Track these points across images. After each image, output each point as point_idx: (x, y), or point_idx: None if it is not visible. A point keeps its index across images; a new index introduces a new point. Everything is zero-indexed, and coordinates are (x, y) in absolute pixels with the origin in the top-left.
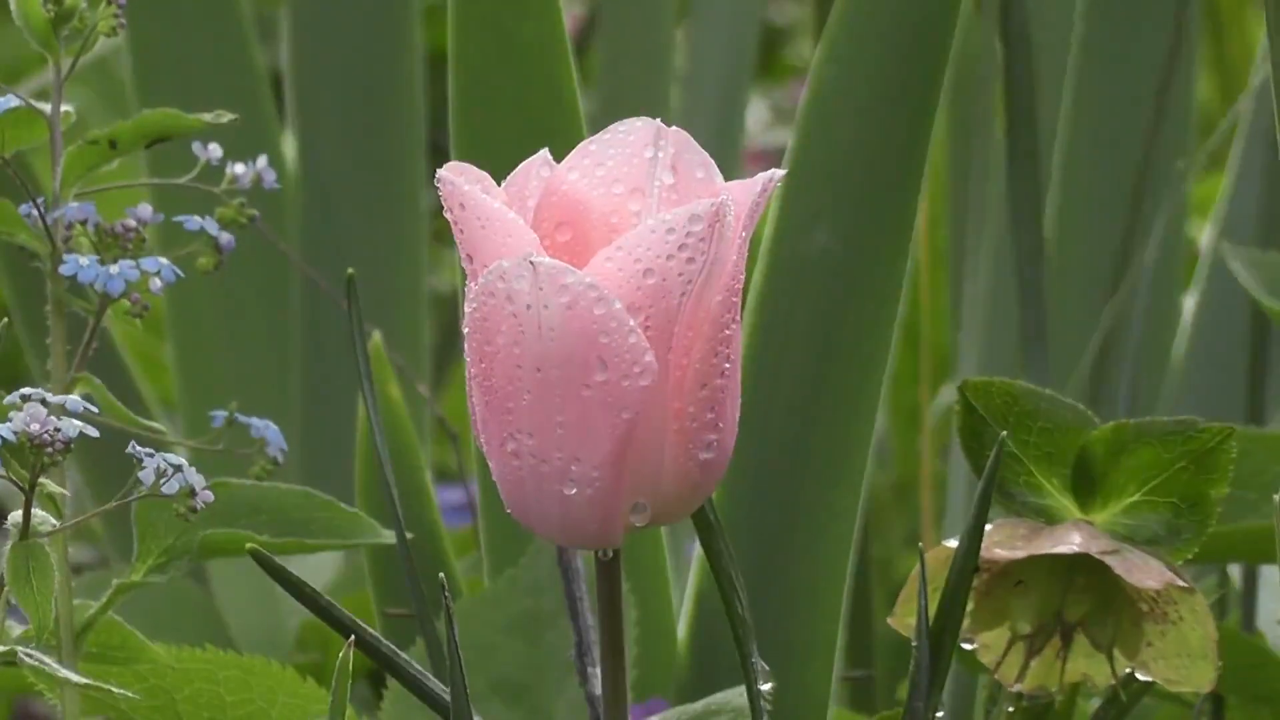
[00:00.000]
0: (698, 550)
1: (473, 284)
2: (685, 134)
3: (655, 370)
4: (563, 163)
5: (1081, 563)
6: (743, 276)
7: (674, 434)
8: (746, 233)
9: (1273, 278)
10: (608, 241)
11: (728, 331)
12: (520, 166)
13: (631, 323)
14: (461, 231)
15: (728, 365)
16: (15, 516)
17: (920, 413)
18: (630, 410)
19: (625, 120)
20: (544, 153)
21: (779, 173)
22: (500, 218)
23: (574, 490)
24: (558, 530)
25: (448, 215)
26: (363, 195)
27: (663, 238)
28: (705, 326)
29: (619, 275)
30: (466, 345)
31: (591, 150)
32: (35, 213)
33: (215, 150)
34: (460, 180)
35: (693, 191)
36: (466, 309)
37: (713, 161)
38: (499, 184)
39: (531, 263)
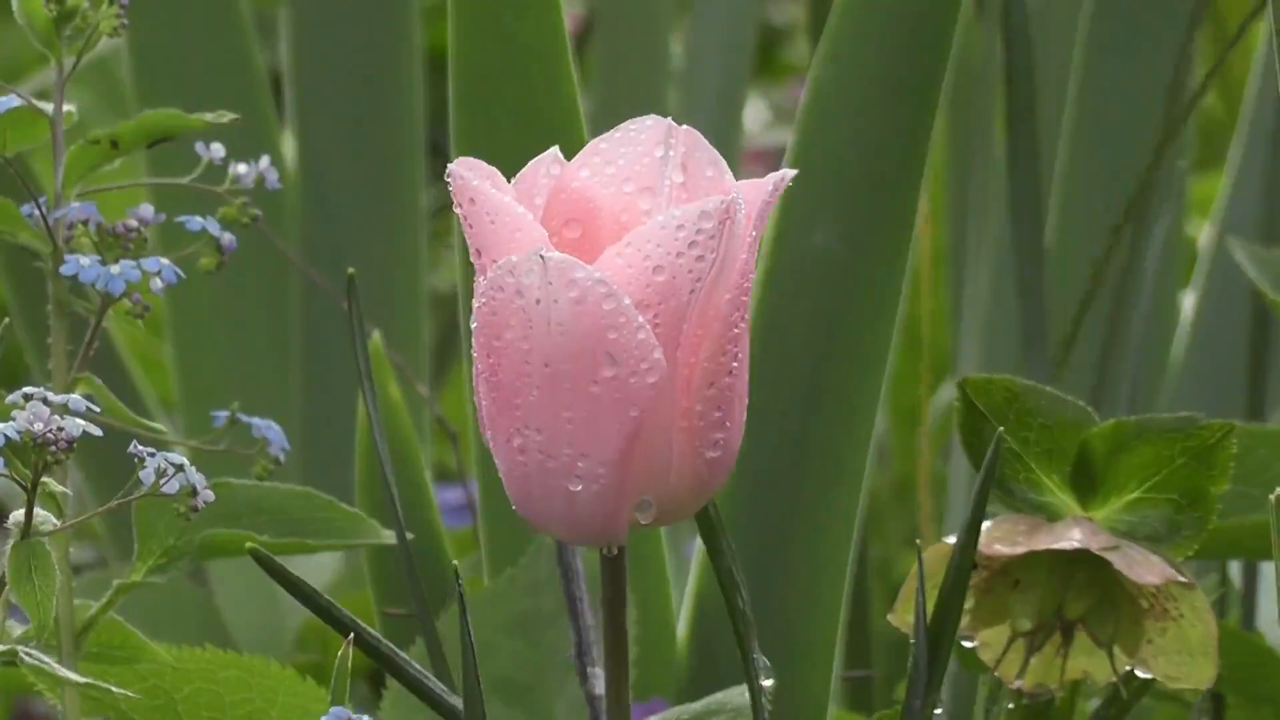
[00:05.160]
0: (698, 549)
1: (481, 279)
2: (696, 133)
3: (663, 367)
4: (573, 160)
5: (1082, 559)
6: (752, 276)
7: (681, 432)
8: (757, 232)
9: (1278, 273)
10: (617, 239)
11: (736, 330)
12: (529, 164)
13: (640, 319)
14: (470, 226)
15: (735, 364)
16: (17, 515)
17: (919, 412)
18: (638, 407)
19: (636, 119)
20: (554, 150)
21: (790, 172)
22: (510, 212)
23: (580, 486)
24: (563, 526)
25: (456, 210)
26: (362, 195)
27: (673, 234)
28: (714, 325)
29: (628, 271)
30: (474, 340)
31: (602, 148)
32: (37, 212)
33: (218, 150)
34: (470, 175)
35: (703, 190)
36: (474, 304)
37: (723, 160)
38: (517, 177)
39: (541, 257)
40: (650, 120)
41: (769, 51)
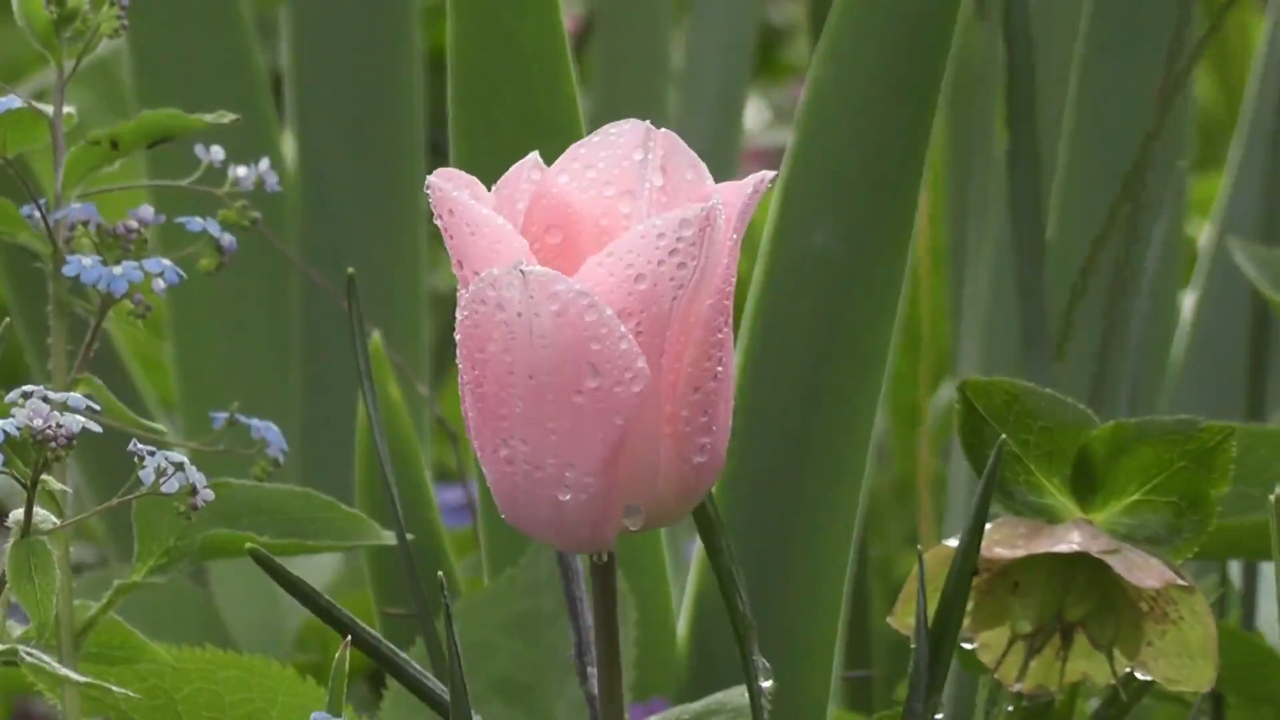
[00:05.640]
0: (698, 550)
1: (463, 290)
2: (674, 136)
3: (647, 376)
4: (553, 166)
5: (1082, 562)
6: (734, 279)
7: (667, 438)
8: (737, 235)
9: (1278, 273)
10: (598, 244)
11: (720, 335)
12: (510, 170)
13: (623, 329)
14: (451, 238)
15: (720, 368)
16: (17, 514)
17: (919, 412)
18: (623, 416)
19: (615, 122)
20: (534, 156)
21: (769, 174)
22: (489, 224)
23: (568, 496)
24: (552, 535)
25: (438, 222)
26: (362, 195)
27: (653, 243)
28: (697, 330)
29: (610, 281)
30: (459, 352)
31: (581, 153)
32: (37, 213)
33: (217, 152)
34: (449, 186)
35: (682, 193)
36: (458, 316)
37: (702, 163)
38: (498, 184)
39: (521, 271)
40: (629, 124)
41: (769, 51)
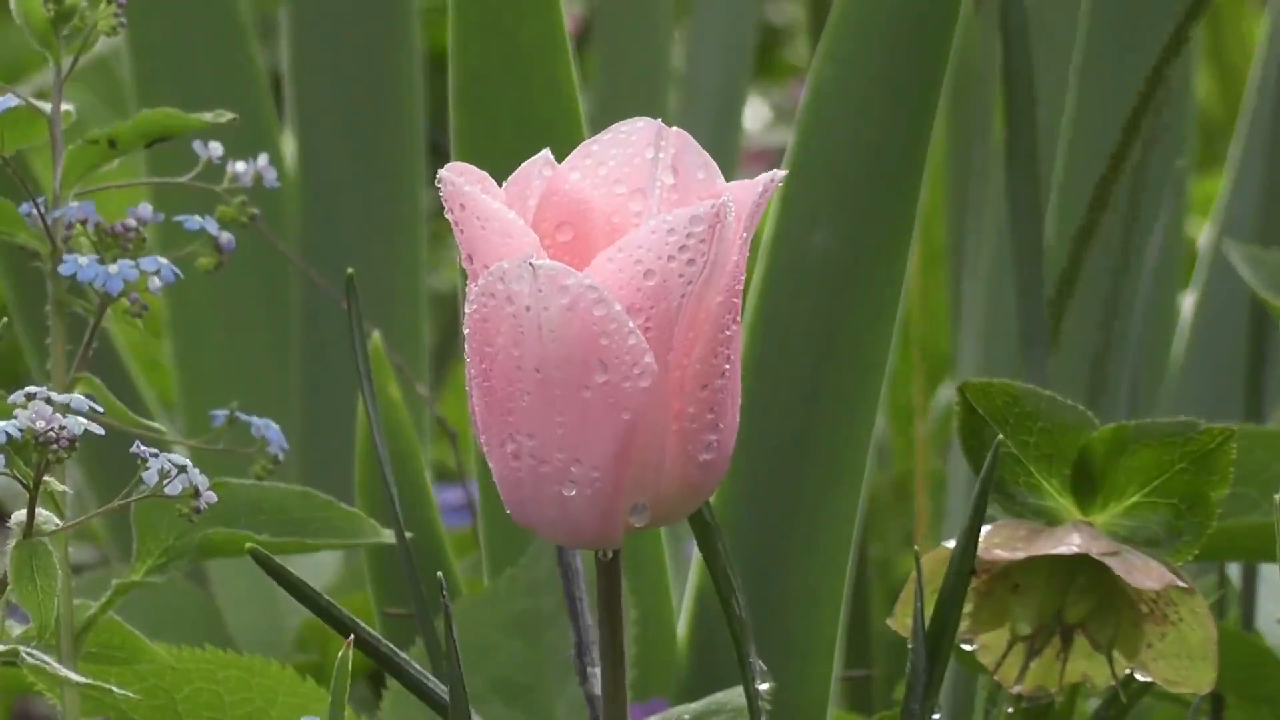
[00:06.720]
0: (698, 549)
1: (473, 285)
2: (686, 135)
3: (655, 372)
4: (564, 163)
5: (1082, 564)
6: (743, 277)
7: (674, 435)
8: (747, 234)
9: (1275, 275)
10: (609, 241)
11: (728, 332)
12: (522, 166)
13: (631, 324)
14: (462, 232)
15: (728, 366)
16: (19, 515)
17: (912, 411)
18: (630, 411)
19: (627, 121)
20: (546, 153)
21: (780, 173)
22: (500, 218)
23: (574, 491)
24: (557, 531)
25: (448, 216)
26: (362, 195)
27: (663, 239)
28: (706, 327)
29: (619, 276)
30: (466, 346)
31: (593, 150)
32: (35, 212)
33: (216, 148)
34: (461, 180)
35: (694, 192)
36: (466, 310)
37: (714, 162)
38: (499, 184)
39: (531, 265)
40: (641, 122)
41: (769, 51)
